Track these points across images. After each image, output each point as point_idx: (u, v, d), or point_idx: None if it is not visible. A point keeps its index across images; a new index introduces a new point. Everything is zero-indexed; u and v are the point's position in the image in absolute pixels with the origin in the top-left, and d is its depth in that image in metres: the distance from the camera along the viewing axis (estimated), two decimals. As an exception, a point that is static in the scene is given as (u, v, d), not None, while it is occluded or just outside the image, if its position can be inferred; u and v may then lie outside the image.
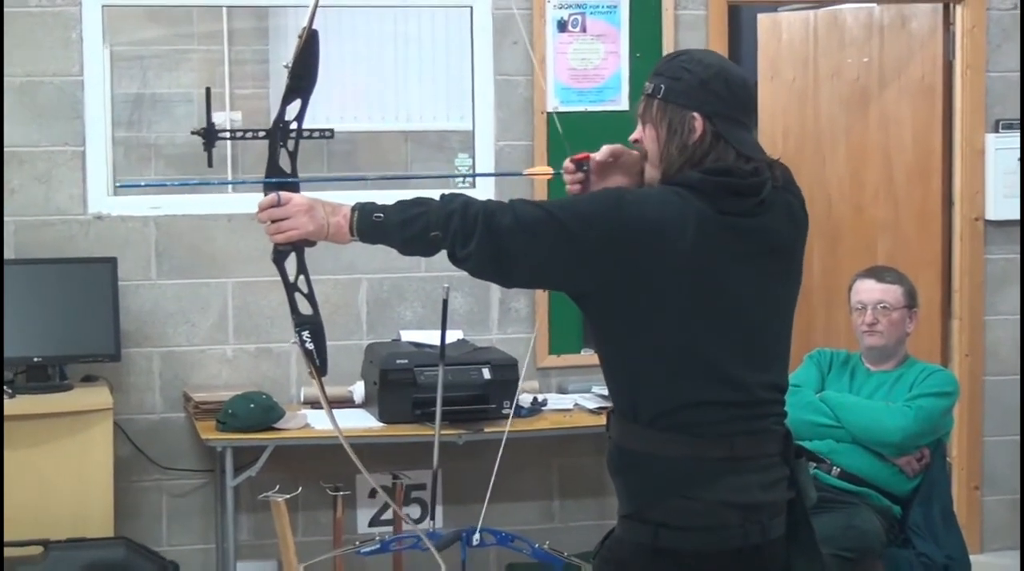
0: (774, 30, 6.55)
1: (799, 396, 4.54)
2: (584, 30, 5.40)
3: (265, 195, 2.73)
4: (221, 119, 5.67)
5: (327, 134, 2.94)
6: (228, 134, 3.04)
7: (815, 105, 6.37)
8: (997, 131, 5.64)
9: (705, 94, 2.73)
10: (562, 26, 5.38)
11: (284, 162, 2.80)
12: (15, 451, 4.60)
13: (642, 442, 2.72)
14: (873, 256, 5.88)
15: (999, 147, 5.63)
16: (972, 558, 4.64)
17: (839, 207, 6.21)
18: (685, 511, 2.68)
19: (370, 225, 2.68)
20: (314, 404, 5.07)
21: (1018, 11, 5.66)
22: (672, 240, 2.64)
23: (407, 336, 5.13)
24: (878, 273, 4.71)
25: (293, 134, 2.80)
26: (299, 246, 2.75)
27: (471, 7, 5.34)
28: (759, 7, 6.59)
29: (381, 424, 4.84)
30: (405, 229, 2.66)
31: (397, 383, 4.81)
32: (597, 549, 2.85)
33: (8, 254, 4.99)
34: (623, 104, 5.38)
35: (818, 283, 6.12)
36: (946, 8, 5.77)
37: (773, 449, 2.77)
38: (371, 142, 5.73)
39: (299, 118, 2.82)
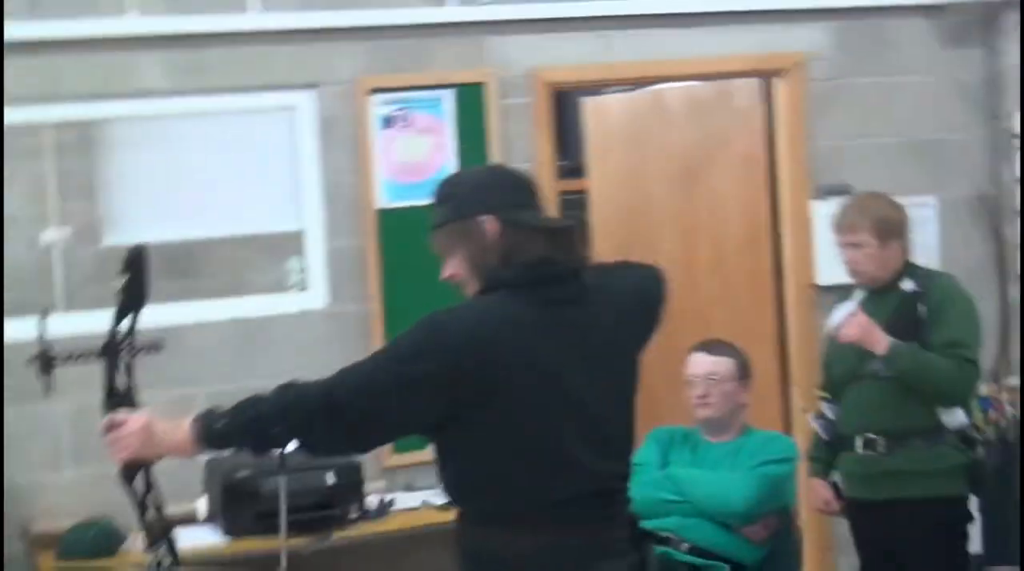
0: (600, 112, 6.60)
1: (644, 474, 4.54)
2: (410, 125, 5.40)
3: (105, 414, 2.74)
4: (50, 237, 5.56)
5: (154, 349, 2.89)
6: (62, 359, 2.92)
7: (645, 184, 6.40)
8: (823, 197, 5.73)
9: (481, 195, 2.76)
10: (388, 122, 5.38)
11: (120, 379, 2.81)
12: None
13: (499, 541, 2.71)
14: (708, 330, 5.91)
15: (826, 213, 5.73)
16: (826, 623, 4.67)
17: (673, 284, 6.22)
18: None
19: (215, 435, 2.66)
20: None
21: (836, 81, 5.80)
22: (503, 345, 2.64)
23: (249, 446, 5.03)
24: (709, 346, 4.76)
25: (124, 350, 2.79)
26: (143, 465, 2.77)
27: (293, 109, 5.31)
28: (583, 91, 6.63)
29: (228, 538, 4.73)
30: (247, 434, 2.64)
31: (240, 495, 4.71)
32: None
33: None
34: (452, 197, 5.37)
35: (657, 360, 6.11)
36: (765, 82, 5.89)
37: (625, 534, 2.79)
38: (204, 250, 5.64)
39: (131, 331, 2.82)
